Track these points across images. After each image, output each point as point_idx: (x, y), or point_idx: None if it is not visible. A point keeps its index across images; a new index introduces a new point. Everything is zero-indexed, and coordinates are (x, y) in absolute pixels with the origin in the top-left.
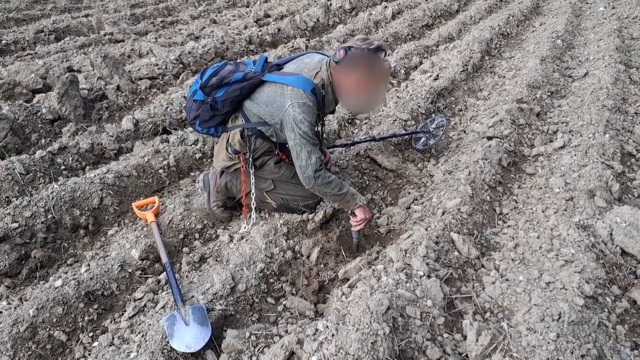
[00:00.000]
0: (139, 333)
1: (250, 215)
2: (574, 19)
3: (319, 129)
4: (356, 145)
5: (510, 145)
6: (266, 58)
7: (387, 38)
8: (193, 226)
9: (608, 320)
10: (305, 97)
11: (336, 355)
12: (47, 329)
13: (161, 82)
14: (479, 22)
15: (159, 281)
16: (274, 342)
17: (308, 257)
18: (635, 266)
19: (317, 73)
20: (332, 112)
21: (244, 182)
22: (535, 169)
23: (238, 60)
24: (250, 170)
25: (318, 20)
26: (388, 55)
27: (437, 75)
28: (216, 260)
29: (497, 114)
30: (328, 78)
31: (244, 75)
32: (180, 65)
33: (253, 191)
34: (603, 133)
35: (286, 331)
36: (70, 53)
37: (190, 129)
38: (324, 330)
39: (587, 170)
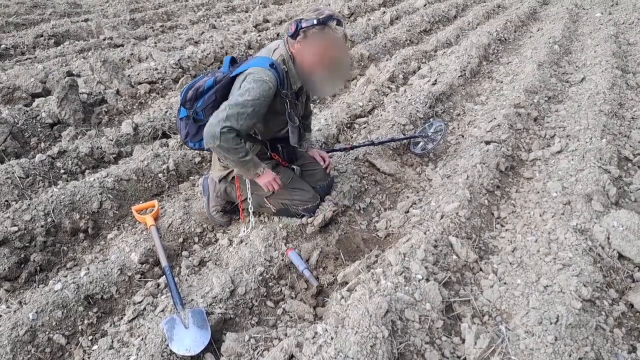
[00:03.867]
0: (139, 336)
1: (249, 220)
2: (571, 24)
3: (291, 109)
4: (355, 149)
5: (508, 150)
6: (232, 58)
7: (385, 43)
8: (192, 230)
9: (605, 324)
10: (262, 72)
11: (335, 358)
12: (47, 333)
13: (160, 86)
14: (476, 27)
15: (158, 285)
16: (274, 346)
17: (307, 260)
18: (632, 270)
19: (275, 50)
20: (306, 92)
21: (239, 189)
22: (532, 173)
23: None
24: None
25: None
26: (344, 26)
27: (436, 80)
28: (215, 263)
29: (495, 118)
30: (287, 53)
31: (214, 80)
32: (180, 70)
33: (249, 196)
34: (600, 138)
35: (285, 334)
36: (69, 57)
37: None
38: (323, 334)
39: (585, 174)
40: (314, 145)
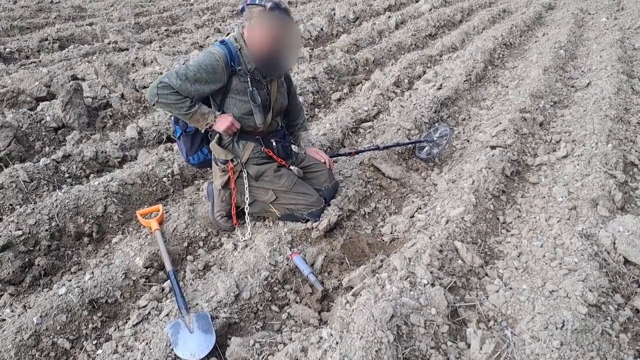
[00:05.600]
0: (143, 341)
1: (244, 224)
2: (576, 29)
3: (253, 87)
4: (360, 154)
5: (514, 155)
6: None
7: (390, 48)
8: (197, 234)
9: (611, 329)
10: (211, 48)
11: None
12: (51, 337)
13: None
14: (482, 32)
15: (163, 289)
16: (278, 350)
17: (312, 265)
18: (637, 275)
19: (229, 34)
20: (276, 73)
21: (234, 189)
22: (538, 178)
23: None
24: (244, 175)
25: (322, 29)
26: (287, 12)
27: (441, 85)
28: (220, 268)
29: (500, 123)
30: (239, 33)
31: None
32: None
33: (247, 196)
34: (606, 143)
35: (290, 339)
36: (74, 61)
37: None
38: (328, 338)
39: (590, 179)
40: (313, 143)
